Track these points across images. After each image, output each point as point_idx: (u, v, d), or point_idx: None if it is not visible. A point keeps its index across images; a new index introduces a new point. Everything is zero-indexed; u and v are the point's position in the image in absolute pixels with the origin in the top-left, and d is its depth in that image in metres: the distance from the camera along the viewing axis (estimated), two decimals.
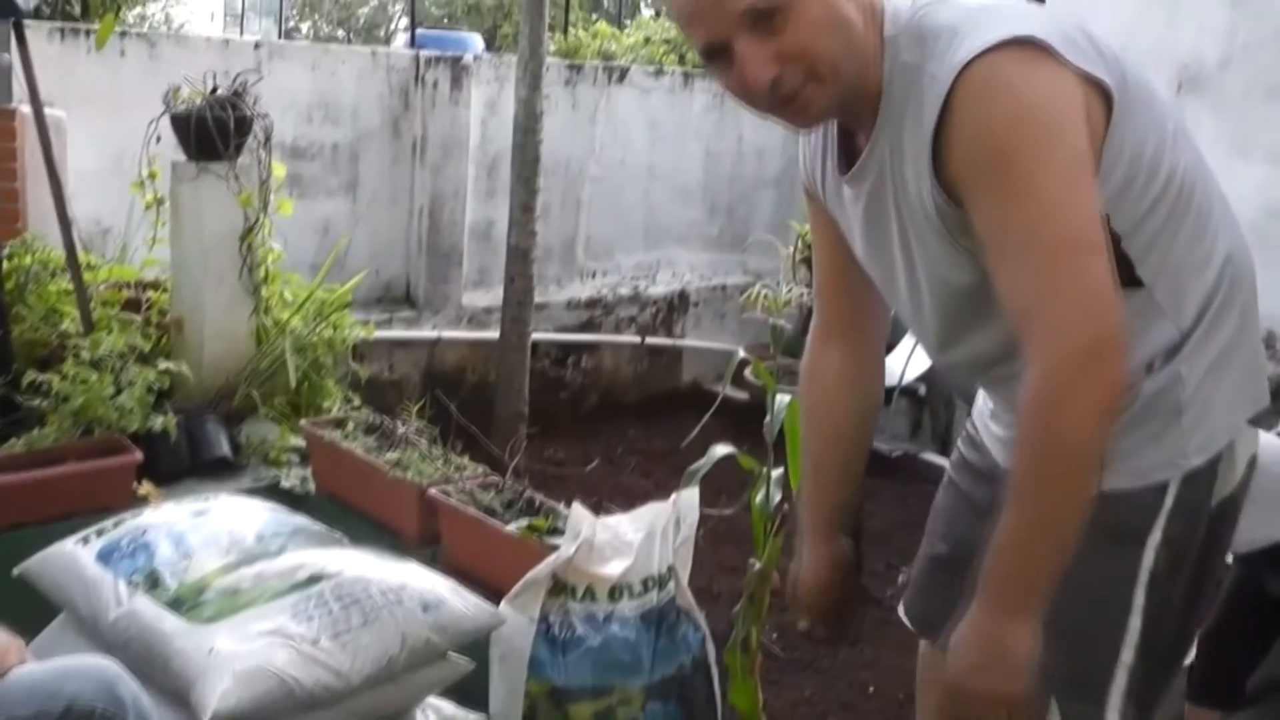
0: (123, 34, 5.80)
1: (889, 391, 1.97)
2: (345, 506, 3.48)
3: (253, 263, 4.21)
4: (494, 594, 2.65)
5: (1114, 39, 1.78)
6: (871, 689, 4.14)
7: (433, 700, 2.58)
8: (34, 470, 3.34)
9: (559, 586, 2.58)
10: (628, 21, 14.92)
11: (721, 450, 3.13)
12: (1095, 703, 1.85)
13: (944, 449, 6.21)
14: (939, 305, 1.88)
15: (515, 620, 2.55)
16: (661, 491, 3.13)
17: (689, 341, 7.51)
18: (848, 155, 1.89)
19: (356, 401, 4.17)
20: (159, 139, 4.21)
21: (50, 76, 5.02)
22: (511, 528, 2.95)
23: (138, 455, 3.44)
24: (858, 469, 2.19)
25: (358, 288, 4.72)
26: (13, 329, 3.91)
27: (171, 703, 2.25)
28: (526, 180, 5.74)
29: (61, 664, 1.95)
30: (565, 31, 11.89)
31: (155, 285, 4.45)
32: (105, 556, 2.48)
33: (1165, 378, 1.77)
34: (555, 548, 2.73)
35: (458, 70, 6.57)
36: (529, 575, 2.58)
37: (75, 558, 2.51)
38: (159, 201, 4.34)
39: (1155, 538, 1.79)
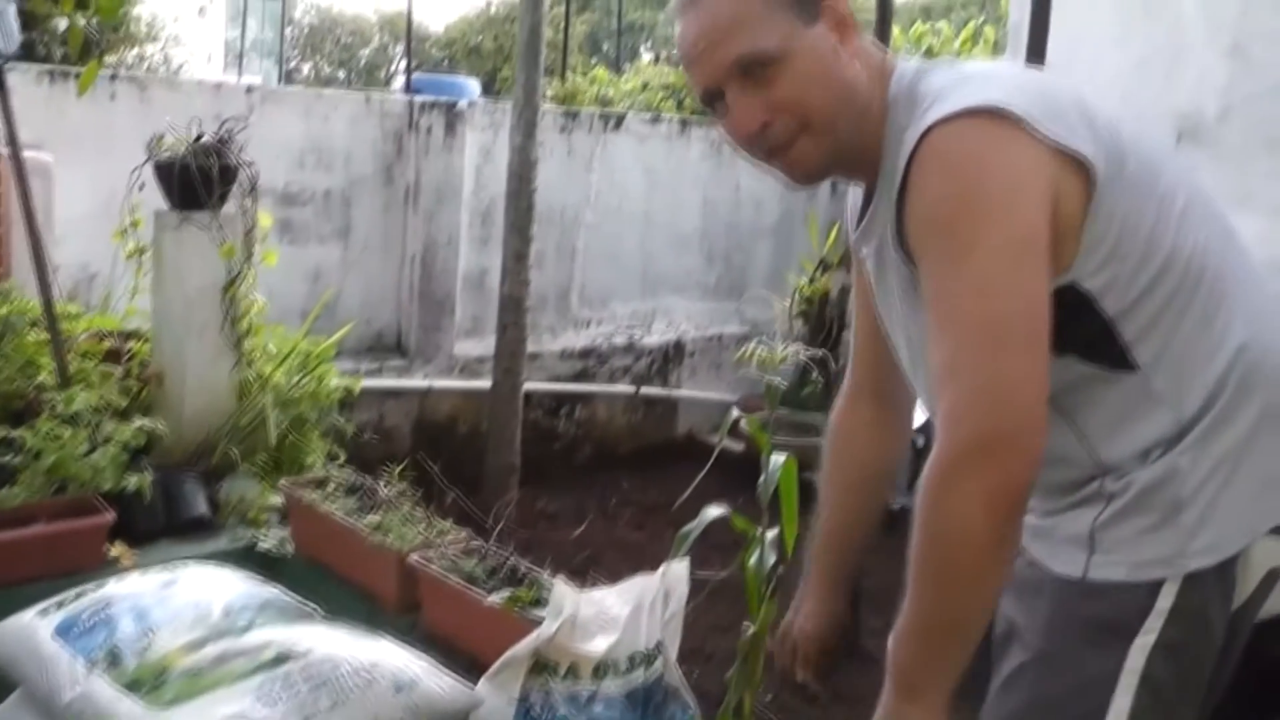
0: (113, 77, 5.76)
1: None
2: (324, 570, 3.37)
3: (235, 315, 4.12)
4: (474, 666, 2.54)
5: (1113, 91, 1.75)
6: None
7: None
8: (1, 531, 3.24)
9: (540, 665, 2.47)
10: (627, 65, 14.91)
11: (714, 512, 3.03)
12: None
13: None
14: (925, 364, 1.80)
15: (494, 701, 2.43)
16: (655, 545, 3.04)
17: (684, 392, 7.44)
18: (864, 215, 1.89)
19: (340, 458, 4.06)
20: (143, 186, 4.13)
21: (39, 119, 4.97)
22: (494, 598, 2.84)
23: (110, 516, 3.33)
24: (871, 527, 2.16)
25: (348, 337, 4.64)
26: None
27: None
28: (520, 228, 5.68)
29: None
30: (563, 76, 11.85)
31: (137, 335, 4.36)
32: (64, 631, 2.37)
33: (1162, 469, 1.70)
34: (538, 620, 2.62)
35: (452, 116, 6.52)
36: (509, 654, 2.47)
37: (33, 632, 2.40)
38: (141, 251, 4.26)
39: (1147, 639, 1.69)
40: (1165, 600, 1.68)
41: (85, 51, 4.83)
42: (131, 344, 4.31)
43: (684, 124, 7.57)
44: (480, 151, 6.74)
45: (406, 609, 3.13)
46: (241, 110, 5.66)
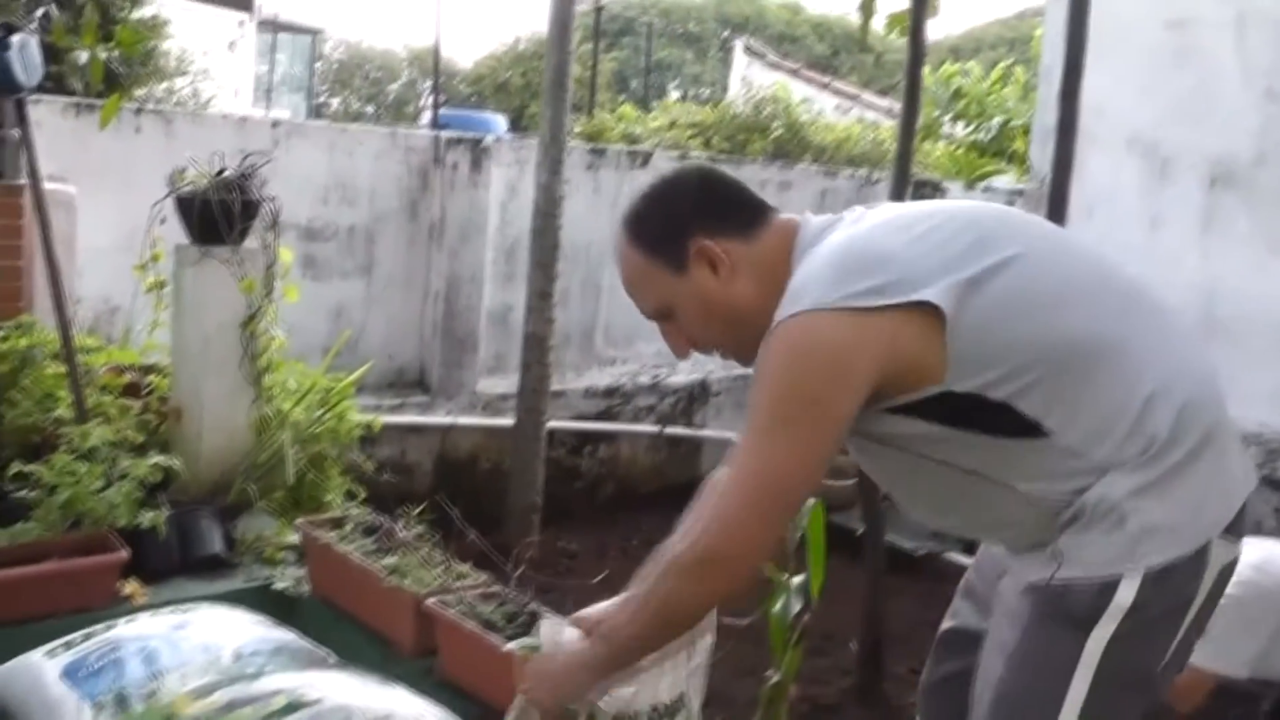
0: (138, 110, 5.74)
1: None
2: (340, 612, 3.32)
3: (254, 351, 4.08)
4: (491, 714, 2.49)
5: (1146, 135, 1.88)
6: None
7: None
8: (14, 567, 3.19)
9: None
10: (655, 103, 14.91)
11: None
12: None
13: (969, 548, 6.04)
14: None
15: None
16: None
17: (709, 432, 7.35)
18: None
19: (360, 496, 4.01)
20: (164, 220, 4.10)
21: (63, 152, 4.96)
22: (512, 645, 2.78)
23: (123, 554, 3.28)
24: None
25: (370, 371, 4.59)
26: (4, 414, 3.78)
27: None
28: (545, 266, 5.63)
29: None
30: (590, 112, 11.86)
31: (156, 370, 4.33)
32: (71, 673, 2.33)
33: (1100, 491, 1.92)
34: None
35: (477, 152, 6.49)
36: (520, 704, 2.39)
37: (40, 673, 2.36)
38: (161, 285, 4.23)
39: (1104, 631, 1.91)
40: (1122, 596, 1.90)
41: (110, 84, 4.82)
42: (150, 378, 4.28)
43: (712, 162, 7.53)
44: (506, 188, 6.70)
45: (423, 653, 3.07)
46: (266, 145, 5.64)
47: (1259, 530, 3.02)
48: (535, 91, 21.98)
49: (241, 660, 2.36)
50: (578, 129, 10.26)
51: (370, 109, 28.85)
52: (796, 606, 3.51)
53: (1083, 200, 5.59)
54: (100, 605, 3.07)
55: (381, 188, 6.38)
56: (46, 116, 5.17)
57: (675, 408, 7.29)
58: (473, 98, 24.62)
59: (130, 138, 5.54)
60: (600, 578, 4.66)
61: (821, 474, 1.92)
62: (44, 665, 2.36)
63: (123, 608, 3.08)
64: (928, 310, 1.89)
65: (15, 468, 3.45)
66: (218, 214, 3.95)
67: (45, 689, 2.30)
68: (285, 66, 23.01)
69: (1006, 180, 9.94)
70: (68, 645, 2.41)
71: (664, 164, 7.35)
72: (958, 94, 12.57)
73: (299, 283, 4.32)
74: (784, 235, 2.10)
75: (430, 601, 3.01)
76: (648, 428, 7.12)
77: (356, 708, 2.22)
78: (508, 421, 6.02)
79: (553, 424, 6.01)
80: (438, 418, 6.32)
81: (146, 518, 3.41)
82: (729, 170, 2.25)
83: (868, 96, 15.14)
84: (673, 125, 10.43)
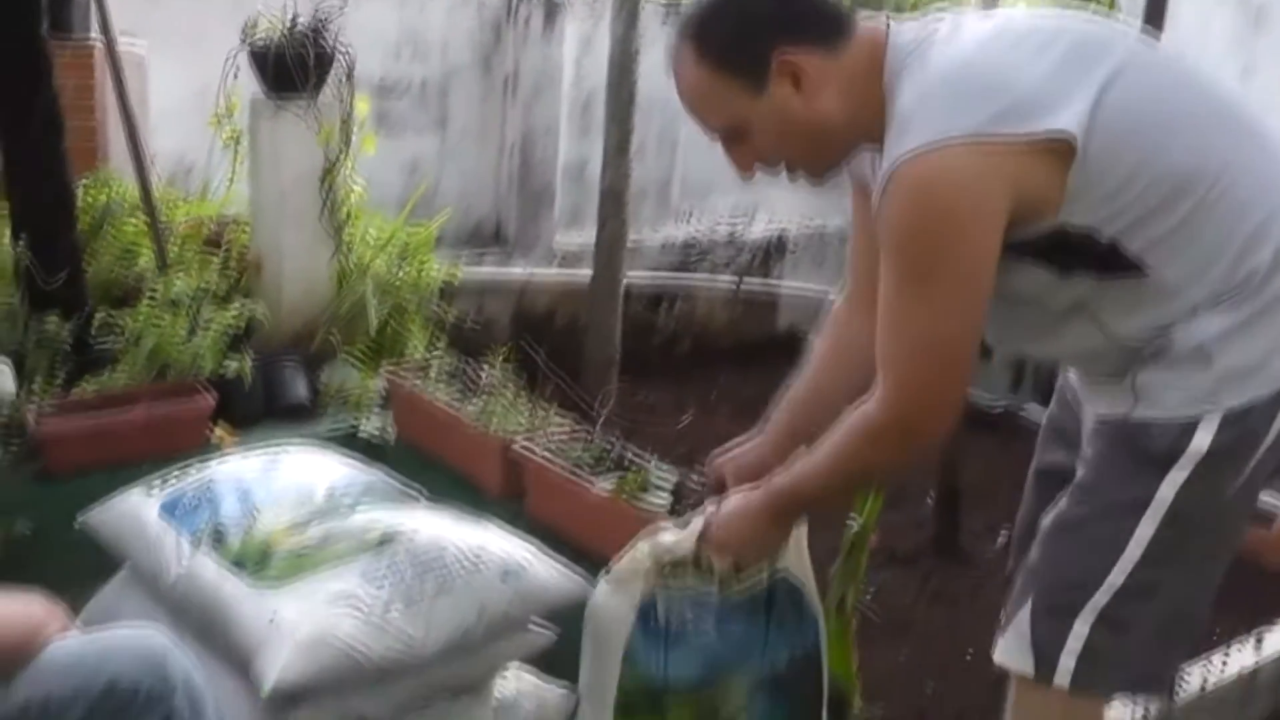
0: None
1: (988, 349, 2.05)
2: (426, 457, 3.33)
3: (334, 202, 4.06)
4: (581, 555, 2.48)
5: None
6: (970, 653, 3.94)
7: (514, 669, 2.41)
8: (104, 413, 3.23)
9: (662, 568, 2.35)
10: None
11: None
12: (1068, 610, 1.93)
13: (1046, 401, 5.98)
14: None
15: (614, 606, 2.30)
16: None
17: (787, 286, 7.27)
18: None
19: (441, 345, 4.00)
20: (238, 73, 4.06)
21: (133, 10, 4.90)
22: (600, 486, 2.77)
23: (211, 400, 3.31)
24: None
25: (447, 227, 4.57)
26: (88, 267, 3.79)
27: (236, 672, 2.10)
28: (621, 119, 5.54)
29: (106, 637, 1.78)
30: None
31: (235, 223, 4.32)
32: (169, 509, 2.33)
33: (1190, 329, 1.85)
34: (646, 508, 2.55)
35: (551, 6, 6.38)
36: (630, 559, 2.36)
37: (138, 509, 2.37)
38: (237, 138, 4.20)
39: (1179, 474, 1.86)
40: (1200, 439, 1.84)
41: None
42: (230, 231, 4.27)
43: None
44: (580, 42, 6.58)
45: (510, 497, 3.08)
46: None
47: None
48: None
49: (334, 497, 2.36)
50: None
51: None
52: None
53: (1173, 48, 5.40)
54: (191, 450, 3.09)
55: (454, 42, 6.29)
56: None
57: (752, 262, 7.21)
58: None
59: None
60: (685, 420, 4.66)
61: (984, 316, 1.82)
62: (142, 502, 2.37)
63: (214, 453, 3.11)
64: (1057, 139, 1.75)
65: (101, 317, 3.47)
66: (293, 65, 3.91)
67: (144, 525, 2.31)
68: None
69: None
70: (163, 482, 2.42)
71: None
72: None
73: (373, 136, 4.28)
74: (871, 46, 1.90)
75: (517, 444, 3.01)
76: (725, 282, 7.05)
77: (450, 542, 2.23)
78: (585, 275, 5.97)
79: (629, 278, 5.96)
80: (515, 272, 6.30)
81: (232, 365, 3.43)
82: None
83: None
84: None
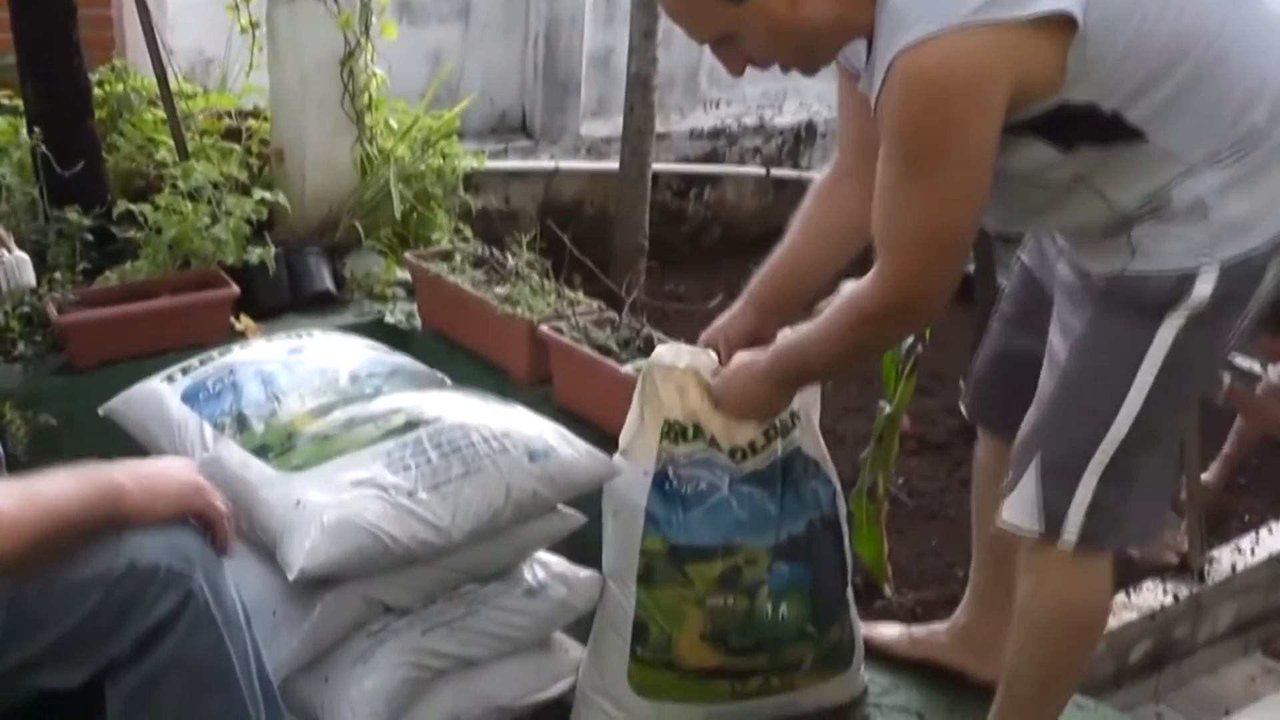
0: None
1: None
2: (452, 343, 3.30)
3: (355, 89, 4.00)
4: (608, 439, 2.43)
5: None
6: None
7: (542, 555, 2.38)
8: (127, 304, 3.20)
9: (672, 430, 2.33)
10: None
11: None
12: (1074, 467, 1.99)
13: None
14: None
15: (629, 472, 2.32)
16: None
17: (817, 174, 7.17)
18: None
19: (467, 234, 3.94)
20: None
21: None
22: (628, 368, 2.73)
23: (234, 289, 3.28)
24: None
25: (472, 118, 4.50)
26: (107, 158, 3.75)
27: (261, 556, 2.09)
28: (647, 5, 5.42)
29: None
30: None
31: (256, 114, 4.26)
32: (191, 397, 2.30)
33: (1186, 185, 1.86)
34: None
35: None
36: (634, 418, 2.34)
37: (161, 397, 2.34)
38: (255, 25, 4.12)
39: (1176, 320, 1.90)
40: (1199, 289, 1.87)
41: None
42: (250, 122, 4.21)
43: None
44: None
45: (537, 382, 3.05)
46: None
47: None
48: None
49: (358, 381, 2.32)
50: None
51: None
52: (909, 338, 3.43)
53: None
54: (215, 340, 3.05)
55: None
56: None
57: (781, 149, 7.11)
58: None
59: None
60: (714, 303, 4.60)
61: (984, 203, 1.85)
62: (163, 390, 2.34)
63: (237, 342, 3.08)
64: (1056, 16, 1.74)
65: (121, 209, 3.43)
66: None
67: (167, 412, 2.28)
68: None
69: None
70: (185, 370, 2.38)
71: None
72: None
73: (394, 24, 4.20)
74: None
75: (544, 327, 2.97)
76: (754, 170, 6.96)
77: (475, 425, 2.19)
78: (612, 165, 5.89)
79: (657, 167, 5.87)
80: (541, 162, 6.23)
81: (255, 254, 3.39)
82: None
83: None
84: None
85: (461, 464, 2.13)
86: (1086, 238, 2.02)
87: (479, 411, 2.26)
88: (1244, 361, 4.56)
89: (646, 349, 2.85)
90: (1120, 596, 3.57)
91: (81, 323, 3.14)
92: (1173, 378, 1.93)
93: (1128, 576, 3.65)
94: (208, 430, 2.21)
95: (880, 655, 2.60)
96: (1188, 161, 1.85)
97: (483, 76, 6.23)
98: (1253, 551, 3.99)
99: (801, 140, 7.21)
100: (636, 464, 2.33)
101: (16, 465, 2.49)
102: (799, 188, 7.00)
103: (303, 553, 1.94)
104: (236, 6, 4.12)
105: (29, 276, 3.08)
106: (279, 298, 3.50)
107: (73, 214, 3.39)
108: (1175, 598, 3.73)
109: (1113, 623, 3.38)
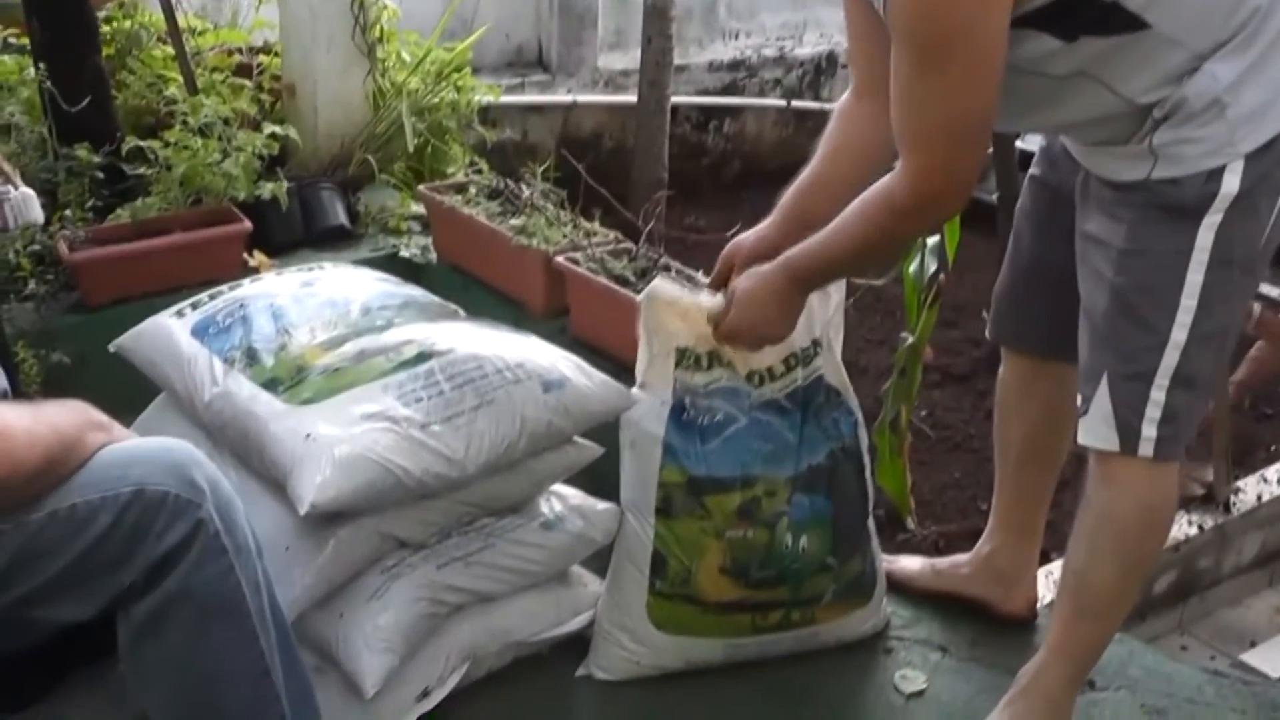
0: None
1: None
2: (468, 277, 3.27)
3: (366, 22, 3.94)
4: (625, 370, 2.41)
5: None
6: None
7: (559, 488, 2.35)
8: (139, 241, 3.17)
9: (689, 356, 2.29)
10: None
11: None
12: (1141, 380, 1.99)
13: None
14: None
15: (646, 402, 2.28)
16: None
17: (837, 105, 7.09)
18: None
19: (482, 167, 3.89)
20: None
21: None
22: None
23: (246, 224, 3.24)
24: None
25: (488, 53, 4.44)
26: (116, 96, 3.70)
27: (272, 492, 2.06)
28: None
29: (133, 445, 1.73)
30: None
31: (266, 50, 4.20)
32: (200, 332, 2.27)
33: (1198, 83, 1.86)
34: None
35: None
36: (644, 346, 2.31)
37: (170, 332, 2.30)
38: None
39: (1214, 219, 1.91)
40: (1228, 183, 1.88)
41: None
42: (261, 58, 4.16)
43: None
44: None
45: (554, 313, 3.02)
46: None
47: None
48: None
49: (370, 314, 2.28)
50: None
51: None
52: (932, 267, 3.38)
53: None
54: (228, 276, 3.00)
55: None
56: None
57: (802, 81, 7.05)
58: None
59: None
60: (733, 233, 4.55)
61: (997, 90, 1.84)
62: (172, 325, 2.31)
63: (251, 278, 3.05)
64: None
65: (131, 146, 3.39)
66: None
67: (176, 347, 2.25)
68: None
69: None
70: (194, 305, 2.35)
71: None
72: None
73: None
74: None
75: (560, 258, 2.93)
76: (774, 102, 6.89)
77: (489, 356, 2.16)
78: (630, 98, 5.83)
79: (676, 99, 5.81)
80: (558, 95, 6.17)
81: (267, 189, 3.35)
82: None
83: None
84: None
85: (475, 395, 2.09)
86: (1100, 141, 2.03)
87: (492, 342, 2.22)
88: (1273, 290, 4.51)
89: None
90: None
91: (93, 260, 3.11)
92: (1221, 275, 1.93)
93: None
94: (217, 364, 2.17)
95: (902, 588, 2.58)
96: (1192, 48, 1.85)
97: (498, 10, 6.15)
98: (1279, 482, 3.96)
99: (822, 71, 7.14)
100: (654, 394, 2.29)
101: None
102: (820, 119, 6.93)
103: (314, 487, 1.90)
104: None
105: (36, 212, 3.03)
106: (292, 233, 3.46)
107: (82, 151, 3.35)
108: (1200, 529, 3.69)
109: None
